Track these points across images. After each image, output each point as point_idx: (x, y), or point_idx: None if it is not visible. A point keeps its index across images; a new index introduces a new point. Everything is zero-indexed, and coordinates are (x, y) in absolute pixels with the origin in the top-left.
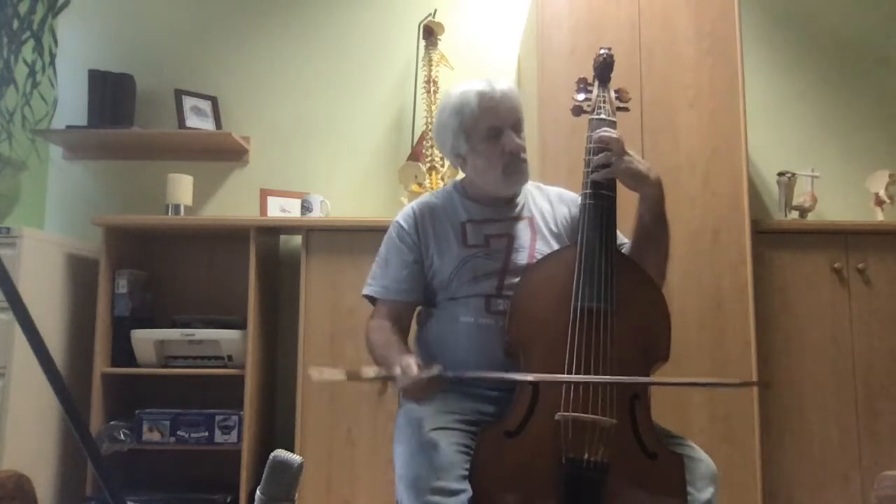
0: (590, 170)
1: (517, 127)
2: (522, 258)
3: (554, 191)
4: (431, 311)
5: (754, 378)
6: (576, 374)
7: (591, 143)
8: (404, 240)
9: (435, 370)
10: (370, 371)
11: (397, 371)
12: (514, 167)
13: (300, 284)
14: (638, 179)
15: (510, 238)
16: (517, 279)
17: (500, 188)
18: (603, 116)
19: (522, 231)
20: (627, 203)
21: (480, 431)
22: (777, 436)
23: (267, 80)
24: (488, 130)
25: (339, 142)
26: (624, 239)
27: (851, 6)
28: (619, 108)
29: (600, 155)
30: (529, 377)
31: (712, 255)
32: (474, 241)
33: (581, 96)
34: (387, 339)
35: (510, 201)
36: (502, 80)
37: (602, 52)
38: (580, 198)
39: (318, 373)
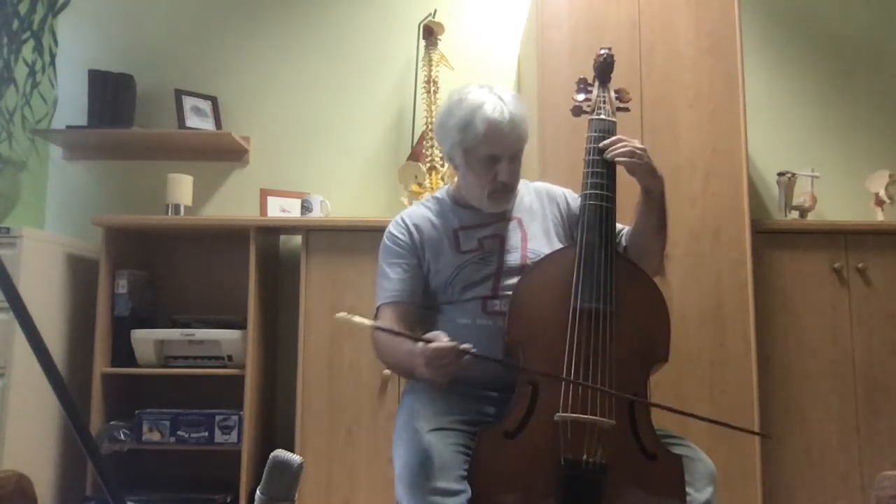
0: (600, 158)
1: (516, 157)
2: (515, 259)
3: (543, 188)
4: (430, 315)
5: (754, 380)
6: (574, 374)
7: (592, 143)
8: (400, 245)
9: (467, 345)
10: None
11: (426, 342)
12: (500, 194)
13: (300, 284)
14: (654, 175)
15: (501, 239)
16: (512, 280)
17: (483, 207)
18: (603, 117)
19: (513, 232)
20: (627, 198)
21: (479, 432)
22: (777, 436)
23: (267, 80)
24: (487, 157)
25: (339, 142)
26: (619, 226)
27: (851, 6)
28: (619, 109)
29: (626, 146)
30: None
31: (712, 255)
32: (468, 247)
33: (581, 96)
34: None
35: None
36: (514, 100)
37: (602, 52)
38: (580, 198)
39: (347, 316)
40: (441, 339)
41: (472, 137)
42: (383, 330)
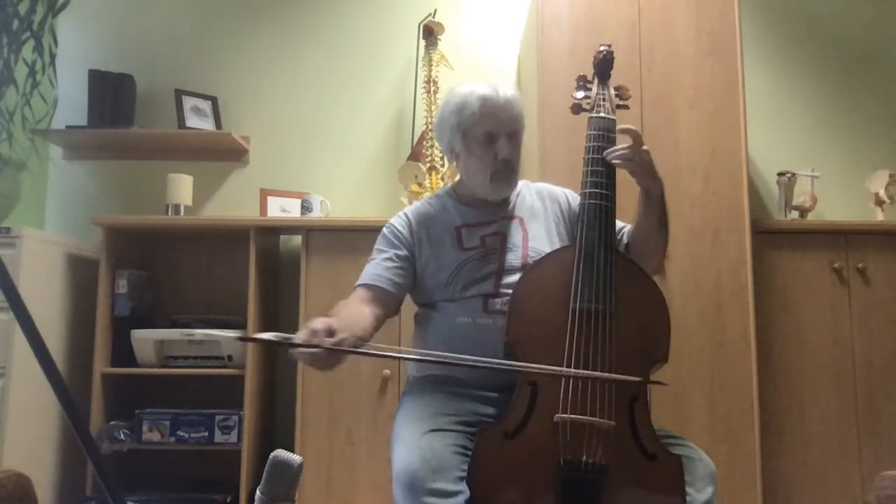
0: (599, 157)
1: (514, 136)
2: (516, 258)
3: (545, 188)
4: (430, 314)
5: (754, 380)
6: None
7: (591, 141)
8: (396, 236)
9: (339, 337)
10: (268, 334)
11: (301, 336)
12: (502, 175)
13: (300, 284)
14: (654, 176)
15: (503, 237)
16: (513, 278)
17: (486, 193)
18: (602, 114)
19: (515, 230)
20: (627, 197)
21: (479, 432)
22: (777, 436)
23: (267, 80)
24: (485, 135)
25: (339, 142)
26: (620, 223)
27: (852, 6)
28: (618, 106)
29: (625, 148)
30: (478, 361)
31: (712, 255)
32: (470, 244)
33: (580, 94)
34: (345, 304)
35: (502, 201)
36: (508, 86)
37: (602, 48)
38: (580, 197)
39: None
40: (317, 339)
41: (468, 116)
42: (255, 342)
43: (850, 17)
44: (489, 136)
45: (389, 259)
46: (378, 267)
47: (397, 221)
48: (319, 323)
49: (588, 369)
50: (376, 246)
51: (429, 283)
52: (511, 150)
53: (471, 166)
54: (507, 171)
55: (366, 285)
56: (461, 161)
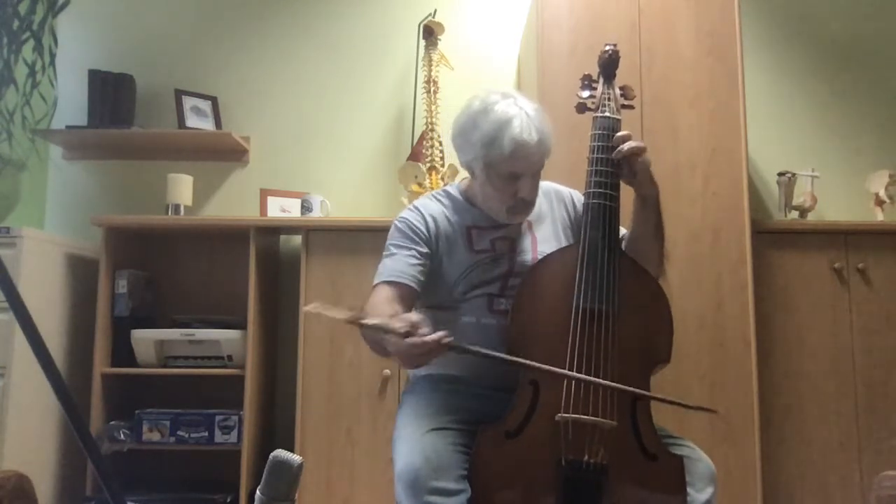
0: (604, 157)
1: (538, 173)
2: (527, 260)
3: (551, 188)
4: (434, 313)
5: (754, 380)
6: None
7: (596, 141)
8: (416, 232)
9: (444, 333)
10: (374, 318)
11: (400, 325)
12: (520, 209)
13: (300, 284)
14: (652, 182)
15: (512, 242)
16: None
17: (499, 218)
18: (608, 114)
19: (524, 235)
20: (628, 201)
21: (480, 431)
22: (777, 436)
23: (267, 80)
24: (509, 174)
25: (339, 142)
26: (622, 230)
27: (851, 6)
28: (623, 106)
29: (636, 143)
30: (544, 367)
31: (712, 255)
32: (481, 247)
33: (585, 93)
34: (374, 305)
35: None
36: (539, 115)
37: (607, 48)
38: (584, 197)
39: (320, 307)
40: (421, 330)
41: (496, 154)
42: (359, 325)
43: (851, 17)
44: (513, 175)
45: (413, 255)
46: (401, 263)
47: (412, 216)
48: (414, 317)
49: (591, 369)
50: (393, 241)
51: (439, 282)
52: (532, 187)
53: (488, 193)
54: (525, 206)
55: (390, 282)
56: (478, 182)
